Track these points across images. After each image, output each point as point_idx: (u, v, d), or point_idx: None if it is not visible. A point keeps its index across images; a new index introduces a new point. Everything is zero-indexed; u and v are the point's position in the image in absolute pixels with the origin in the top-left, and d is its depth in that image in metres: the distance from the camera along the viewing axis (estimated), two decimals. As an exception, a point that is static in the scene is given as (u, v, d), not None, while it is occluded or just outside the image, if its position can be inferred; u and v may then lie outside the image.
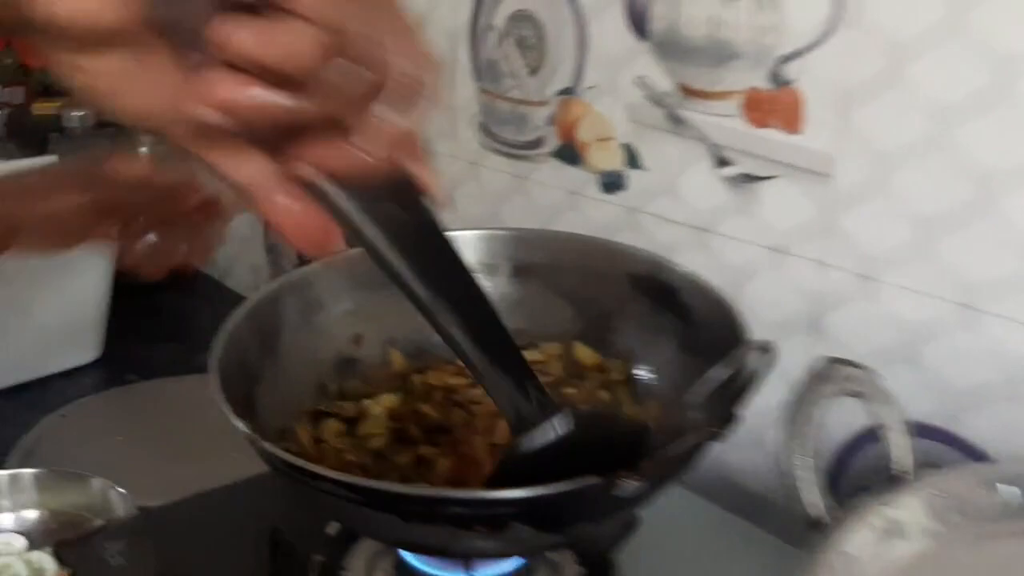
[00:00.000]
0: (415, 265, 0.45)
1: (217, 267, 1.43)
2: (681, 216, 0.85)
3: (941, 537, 0.49)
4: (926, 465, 0.72)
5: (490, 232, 0.82)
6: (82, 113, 1.27)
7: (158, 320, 1.31)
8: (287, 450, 0.68)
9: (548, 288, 0.81)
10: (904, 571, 0.47)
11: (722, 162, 0.81)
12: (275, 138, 0.36)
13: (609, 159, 0.89)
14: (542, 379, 0.56)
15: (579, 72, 0.89)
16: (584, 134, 0.90)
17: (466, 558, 0.64)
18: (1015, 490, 0.50)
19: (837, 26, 0.71)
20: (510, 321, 0.79)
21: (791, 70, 0.74)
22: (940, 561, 0.48)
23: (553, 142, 0.93)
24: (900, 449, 0.52)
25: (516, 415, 0.52)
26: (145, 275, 0.71)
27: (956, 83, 0.66)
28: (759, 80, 0.76)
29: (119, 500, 0.82)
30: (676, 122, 0.83)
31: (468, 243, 0.81)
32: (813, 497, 0.49)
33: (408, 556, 0.68)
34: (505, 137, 0.97)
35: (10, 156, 1.21)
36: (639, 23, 0.83)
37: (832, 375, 0.50)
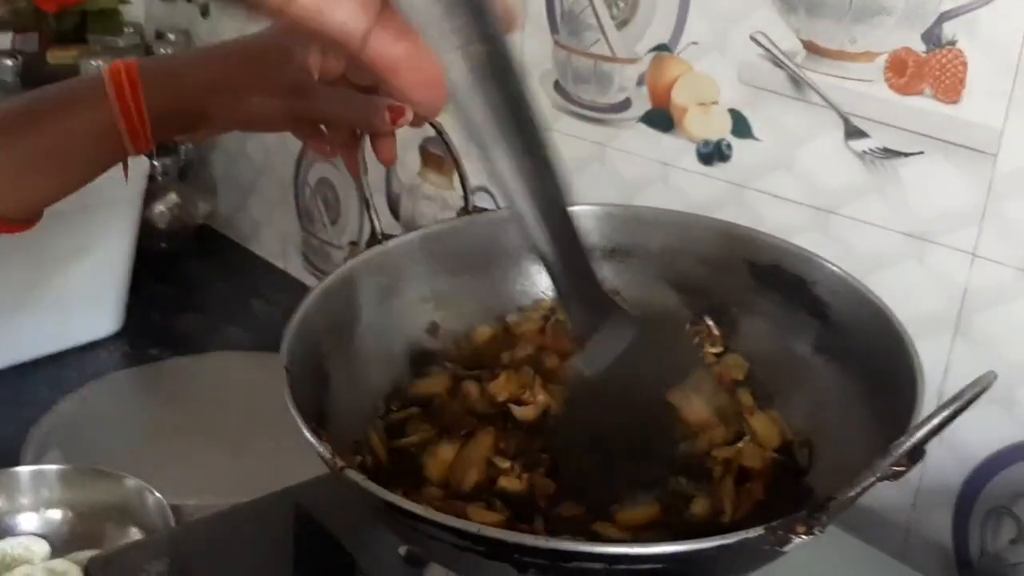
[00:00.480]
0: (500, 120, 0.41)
1: (239, 230, 1.33)
2: (798, 194, 0.74)
3: None
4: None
5: (584, 208, 0.71)
6: (99, 62, 1.16)
7: (181, 289, 1.21)
8: (362, 465, 0.59)
9: (648, 273, 0.70)
10: None
11: (855, 134, 0.70)
12: None
13: (711, 126, 0.78)
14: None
15: (680, 26, 0.78)
16: (681, 97, 0.79)
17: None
18: None
19: (1015, -24, 0.60)
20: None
21: (953, 29, 0.63)
22: None
23: (642, 105, 0.82)
24: None
25: (578, 315, 0.49)
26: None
27: None
28: (911, 39, 0.65)
29: (154, 504, 0.73)
30: (799, 86, 0.72)
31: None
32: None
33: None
34: (584, 98, 0.86)
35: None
36: (758, -31, 0.72)
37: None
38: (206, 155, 1.31)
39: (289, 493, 0.70)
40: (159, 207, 1.21)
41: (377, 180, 1.08)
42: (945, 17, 0.63)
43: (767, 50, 0.73)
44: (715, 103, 0.77)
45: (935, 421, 0.40)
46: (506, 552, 0.43)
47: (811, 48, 0.70)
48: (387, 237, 0.69)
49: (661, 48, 0.80)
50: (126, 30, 1.28)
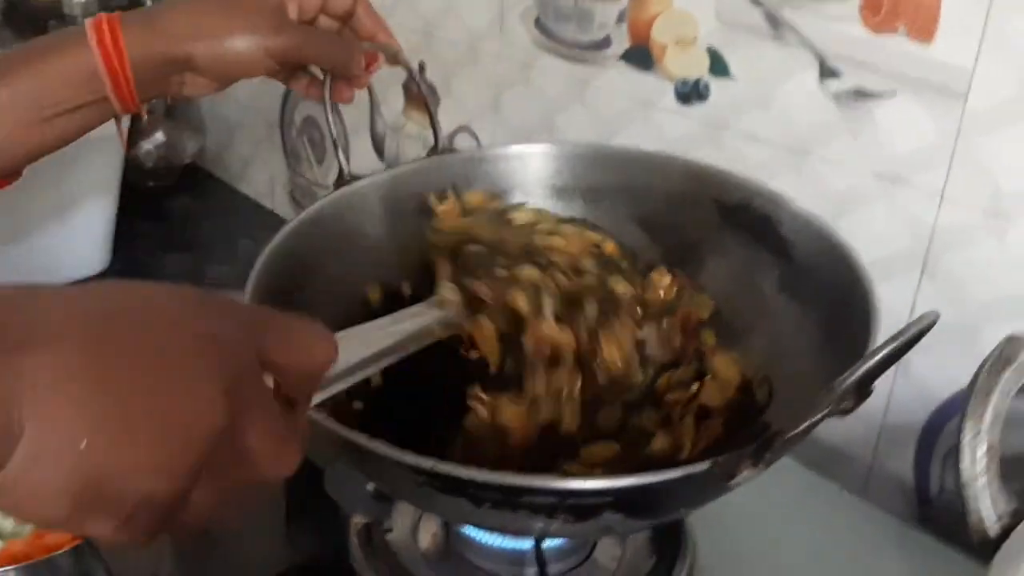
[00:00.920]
0: None
1: (228, 169, 1.33)
2: (774, 134, 0.74)
3: None
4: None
5: (552, 147, 0.71)
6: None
7: (168, 227, 1.21)
8: (349, 407, 0.59)
9: (619, 213, 0.71)
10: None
11: (830, 73, 0.69)
12: None
13: (690, 65, 0.77)
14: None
15: (658, -38, 0.77)
16: (661, 34, 0.79)
17: (540, 538, 0.55)
18: None
19: (990, -88, 0.59)
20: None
21: (927, -35, 0.62)
22: None
23: (622, 43, 0.81)
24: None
25: None
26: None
27: None
28: (886, -24, 0.64)
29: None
30: (776, 24, 0.71)
31: (529, 159, 0.71)
32: (985, 507, 0.39)
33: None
34: (564, 36, 0.85)
35: (5, 44, 1.10)
36: (736, -95, 0.71)
37: (1012, 359, 0.40)
38: (193, 93, 1.31)
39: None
40: (146, 145, 1.21)
41: (362, 119, 1.08)
42: (919, -46, 0.62)
43: (744, -13, 0.72)
44: (694, 41, 0.77)
45: (875, 359, 0.40)
46: (460, 487, 0.44)
47: (788, -15, 0.70)
48: (355, 177, 0.70)
49: (641, -15, 0.79)
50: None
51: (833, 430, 0.77)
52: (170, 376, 0.30)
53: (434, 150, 0.72)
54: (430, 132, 1.02)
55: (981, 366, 0.41)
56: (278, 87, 1.18)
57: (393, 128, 1.05)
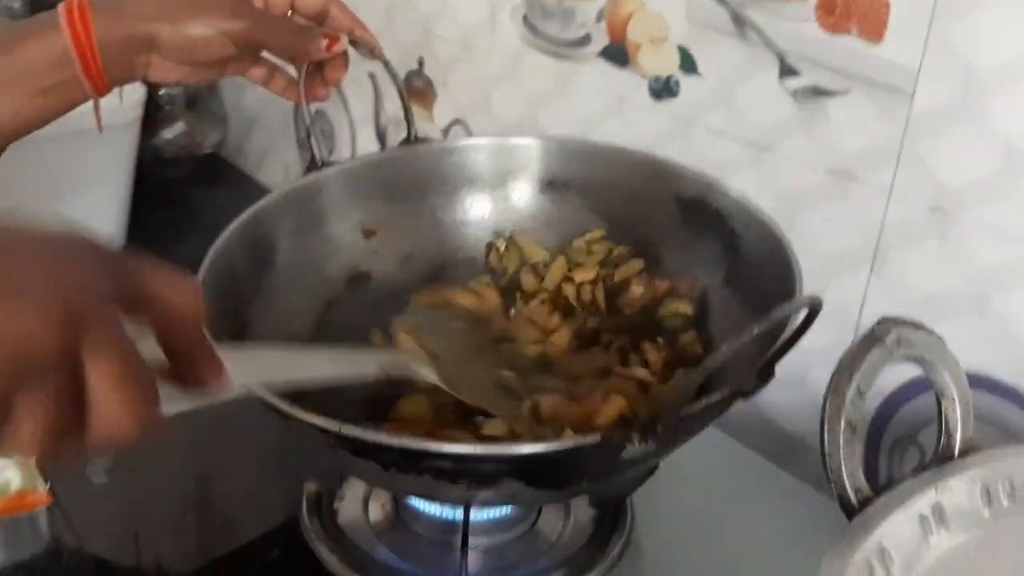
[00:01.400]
0: None
1: (247, 159, 1.37)
2: (737, 131, 0.75)
3: (990, 527, 0.42)
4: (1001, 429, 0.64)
5: (523, 141, 0.74)
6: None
7: (183, 215, 1.25)
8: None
9: (584, 204, 0.73)
10: (943, 567, 0.40)
11: (789, 72, 0.71)
12: None
13: (662, 63, 0.79)
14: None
15: (633, -38, 0.79)
16: (636, 33, 0.81)
17: (461, 504, 0.58)
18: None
19: (933, -84, 0.60)
20: (541, 237, 0.74)
21: (875, -33, 0.64)
22: (983, 555, 0.41)
23: (601, 41, 0.84)
24: (959, 424, 0.44)
25: None
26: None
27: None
28: (837, -22, 0.66)
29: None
30: (740, 24, 0.73)
31: (496, 151, 0.74)
32: (851, 478, 0.41)
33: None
34: (549, 33, 0.88)
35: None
36: (703, -93, 0.73)
37: (884, 337, 0.42)
38: (215, 84, 1.36)
39: (242, 402, 0.75)
40: (166, 135, 1.26)
41: (366, 113, 1.11)
42: (867, -44, 0.64)
43: (711, -12, 0.74)
44: (666, 39, 0.79)
45: (741, 341, 0.42)
46: (367, 450, 0.47)
47: (750, -14, 0.72)
48: (327, 164, 0.73)
49: (619, -16, 0.81)
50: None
51: (793, 422, 0.79)
52: (3, 294, 0.32)
53: (406, 140, 0.75)
54: (427, 124, 1.06)
55: (852, 344, 0.43)
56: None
57: (394, 120, 1.08)
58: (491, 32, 0.93)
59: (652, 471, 0.64)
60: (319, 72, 0.70)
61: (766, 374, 0.48)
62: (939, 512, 0.42)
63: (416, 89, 1.05)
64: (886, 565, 0.40)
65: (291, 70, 0.73)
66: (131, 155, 1.10)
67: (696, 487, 0.69)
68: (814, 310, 0.44)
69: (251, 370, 0.45)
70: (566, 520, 0.65)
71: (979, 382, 0.66)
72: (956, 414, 0.45)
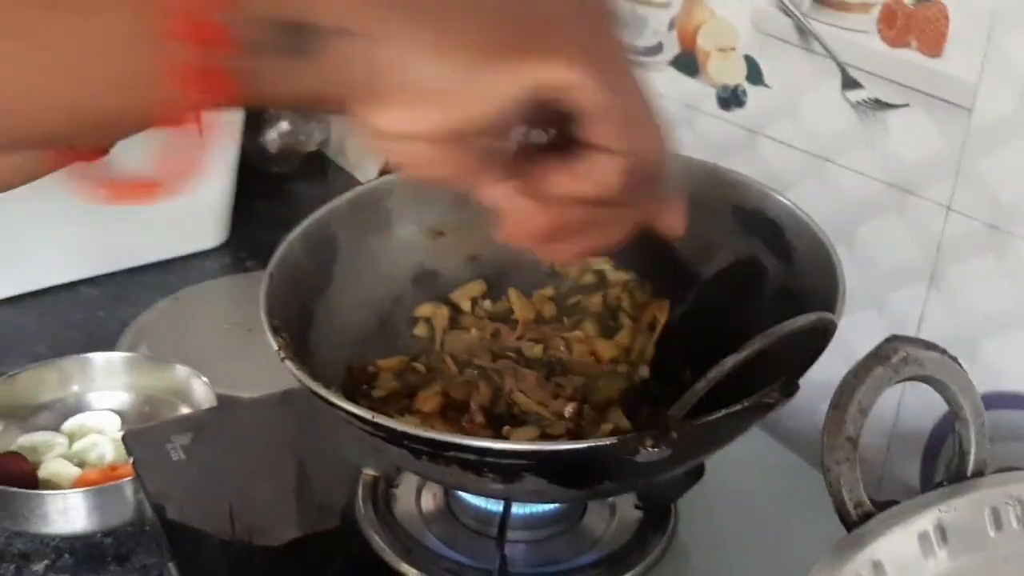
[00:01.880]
0: None
1: (349, 160, 1.43)
2: (800, 141, 0.76)
3: (996, 550, 0.42)
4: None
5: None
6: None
7: (286, 208, 1.32)
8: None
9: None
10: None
11: (851, 84, 0.71)
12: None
13: (730, 72, 0.80)
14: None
15: (706, -27, 0.80)
16: (705, 42, 0.82)
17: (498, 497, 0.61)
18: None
19: (994, -70, 0.60)
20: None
21: (936, -19, 0.64)
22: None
23: (672, 49, 0.85)
24: (972, 444, 0.45)
25: None
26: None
27: None
28: (899, -9, 0.66)
29: (200, 388, 0.84)
30: (804, 35, 0.73)
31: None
32: (851, 492, 0.42)
33: (456, 484, 0.66)
34: (623, 42, 0.89)
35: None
36: (772, -81, 0.73)
37: (890, 356, 0.43)
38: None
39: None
40: (271, 134, 1.33)
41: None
42: (928, -31, 0.64)
43: (777, -2, 0.75)
44: (734, 49, 0.80)
45: (744, 354, 0.43)
46: (398, 439, 0.50)
47: (816, -3, 0.72)
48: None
49: (691, -6, 0.82)
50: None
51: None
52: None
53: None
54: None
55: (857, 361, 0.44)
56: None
57: (480, 124, 1.12)
58: (570, 39, 0.95)
59: (698, 477, 0.65)
60: None
61: (789, 389, 0.49)
62: (941, 531, 0.42)
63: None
64: (880, 580, 0.41)
65: None
66: (235, 149, 1.16)
67: (742, 491, 0.70)
68: (827, 327, 0.45)
69: None
70: (611, 519, 0.67)
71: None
72: (970, 434, 0.45)
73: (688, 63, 0.84)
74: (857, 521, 0.42)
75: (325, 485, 0.71)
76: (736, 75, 0.80)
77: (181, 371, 0.85)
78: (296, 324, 0.63)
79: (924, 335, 0.70)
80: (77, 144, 0.60)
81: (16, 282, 1.07)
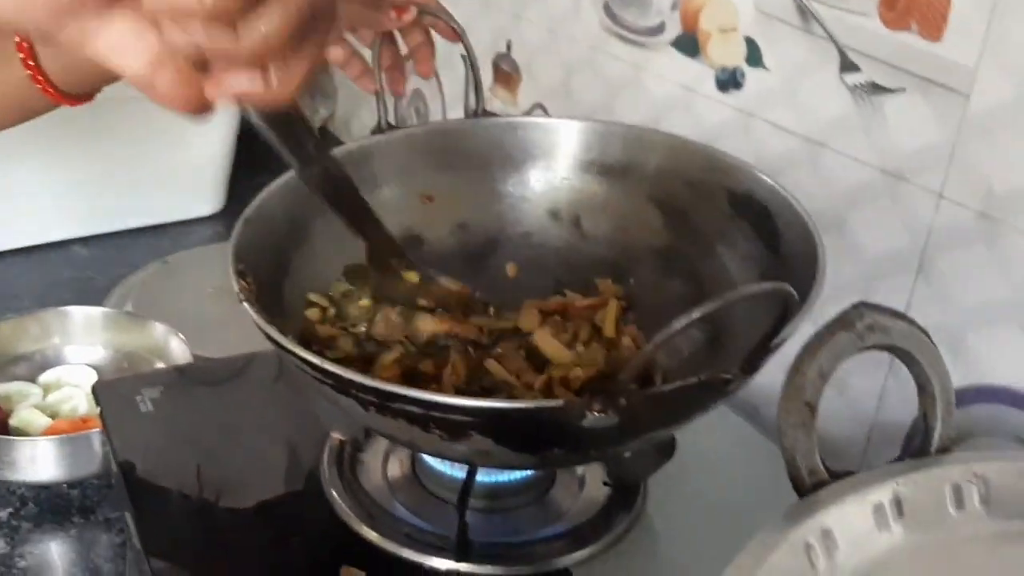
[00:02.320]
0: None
1: (352, 134, 1.42)
2: (797, 126, 0.74)
3: (955, 529, 0.40)
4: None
5: (584, 124, 0.74)
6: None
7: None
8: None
9: (640, 191, 0.73)
10: (893, 561, 0.39)
11: (849, 67, 0.70)
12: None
13: (730, 53, 0.79)
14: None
15: (709, -49, 0.79)
16: (707, 23, 0.81)
17: (460, 462, 0.60)
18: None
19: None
20: (597, 219, 0.74)
21: (937, -39, 0.62)
22: (941, 557, 0.40)
23: (675, 29, 0.84)
24: (938, 420, 0.43)
25: None
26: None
27: None
28: (900, -29, 0.64)
29: (178, 347, 0.83)
30: (805, 16, 0.72)
31: (558, 132, 0.75)
32: (805, 458, 0.41)
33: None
34: (627, 20, 0.88)
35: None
36: None
37: (855, 322, 0.41)
38: (325, 62, 1.41)
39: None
40: (276, 107, 1.32)
41: (457, 96, 1.14)
42: (930, -51, 0.62)
43: (779, -22, 0.73)
44: (735, 30, 0.78)
45: (691, 318, 0.41)
46: (346, 387, 0.49)
47: (817, -22, 0.71)
48: (392, 127, 0.75)
49: (695, -27, 0.81)
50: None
51: (827, 427, 0.77)
52: None
53: (473, 113, 0.77)
54: (511, 108, 1.08)
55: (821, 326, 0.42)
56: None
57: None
58: (574, 18, 0.94)
59: (668, 456, 0.64)
60: (398, 65, 0.73)
61: (749, 367, 0.48)
62: (898, 504, 0.41)
63: (503, 72, 1.07)
64: (828, 549, 0.39)
65: (367, 57, 0.75)
66: (233, 121, 1.15)
67: (718, 476, 0.69)
68: (787, 300, 0.44)
69: None
70: (579, 494, 0.66)
71: (1017, 399, 0.63)
72: (936, 410, 0.44)
73: (689, 44, 0.82)
74: (811, 488, 0.41)
75: (293, 447, 0.70)
76: (736, 57, 0.78)
77: (159, 329, 0.84)
78: (269, 273, 0.62)
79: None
80: None
81: (8, 237, 1.07)
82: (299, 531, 0.63)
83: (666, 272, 0.71)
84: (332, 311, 0.67)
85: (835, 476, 0.41)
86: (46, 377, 0.84)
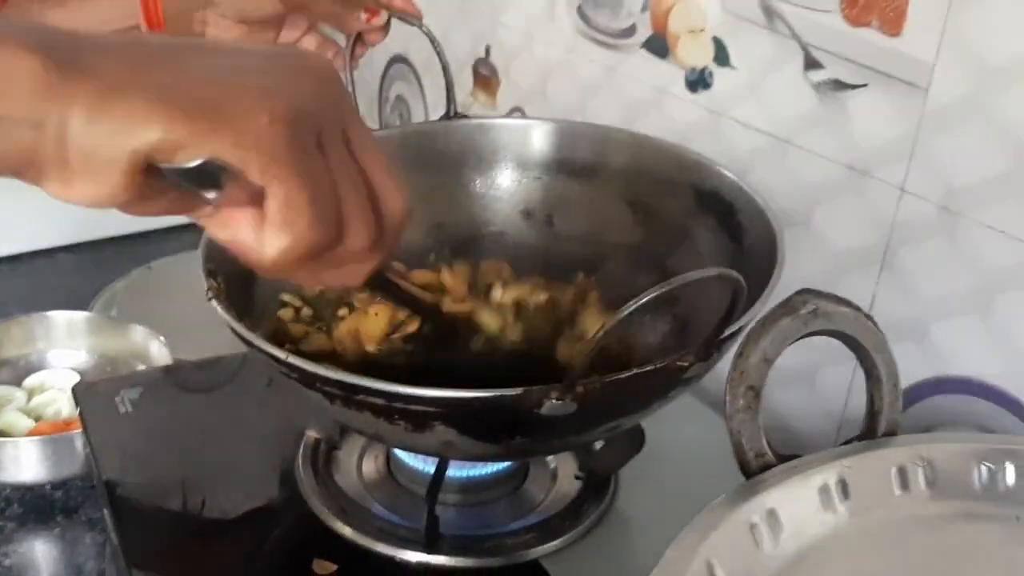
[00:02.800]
0: None
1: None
2: (764, 123, 0.75)
3: (900, 510, 0.41)
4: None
5: (555, 125, 0.76)
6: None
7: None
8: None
9: (610, 189, 0.74)
10: (837, 541, 0.40)
11: (813, 65, 0.71)
12: None
13: (698, 54, 0.80)
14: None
15: (678, -46, 0.80)
16: (676, 24, 0.82)
17: (427, 454, 0.61)
18: (1009, 469, 0.42)
19: (951, -93, 0.60)
20: (571, 219, 0.75)
21: (895, -42, 0.63)
22: (887, 537, 0.41)
23: (645, 31, 0.85)
24: (884, 404, 0.44)
25: None
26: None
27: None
28: (859, -31, 0.66)
29: (159, 350, 0.84)
30: (770, 15, 0.73)
31: (530, 133, 0.76)
32: (751, 441, 0.42)
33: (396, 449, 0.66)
34: (600, 23, 0.90)
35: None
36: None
37: (799, 308, 0.42)
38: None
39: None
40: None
41: (440, 101, 1.15)
42: (887, -53, 0.63)
43: (745, -22, 0.74)
44: (703, 31, 0.80)
45: (642, 300, 0.42)
46: (311, 381, 0.50)
47: (781, -22, 0.72)
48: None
49: (664, -24, 0.82)
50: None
51: (802, 420, 0.78)
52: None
53: (446, 116, 0.78)
54: (492, 111, 1.09)
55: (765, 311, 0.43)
56: (376, 68, 1.27)
57: (462, 107, 1.12)
58: (549, 21, 0.95)
59: (638, 448, 0.65)
60: (359, 39, 0.74)
61: (704, 353, 0.49)
62: (843, 486, 0.42)
63: (482, 76, 1.08)
64: (773, 529, 0.40)
65: (341, 41, 0.77)
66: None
67: (688, 469, 0.69)
68: (735, 286, 0.45)
69: None
70: (551, 487, 0.67)
71: (979, 390, 0.64)
72: (882, 394, 0.45)
73: (659, 46, 0.84)
74: (757, 470, 0.42)
75: (269, 446, 0.71)
76: (704, 57, 0.79)
77: (140, 332, 0.85)
78: (239, 273, 0.63)
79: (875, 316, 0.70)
80: None
81: (-7, 245, 1.08)
82: (274, 527, 0.64)
83: (636, 267, 0.72)
84: (307, 311, 0.68)
85: (782, 459, 0.42)
86: (30, 381, 0.85)
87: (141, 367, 0.85)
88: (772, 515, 0.40)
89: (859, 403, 0.72)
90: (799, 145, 0.73)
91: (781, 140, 0.74)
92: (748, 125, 0.77)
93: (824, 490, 0.42)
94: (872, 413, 0.44)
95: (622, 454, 0.65)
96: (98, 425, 0.71)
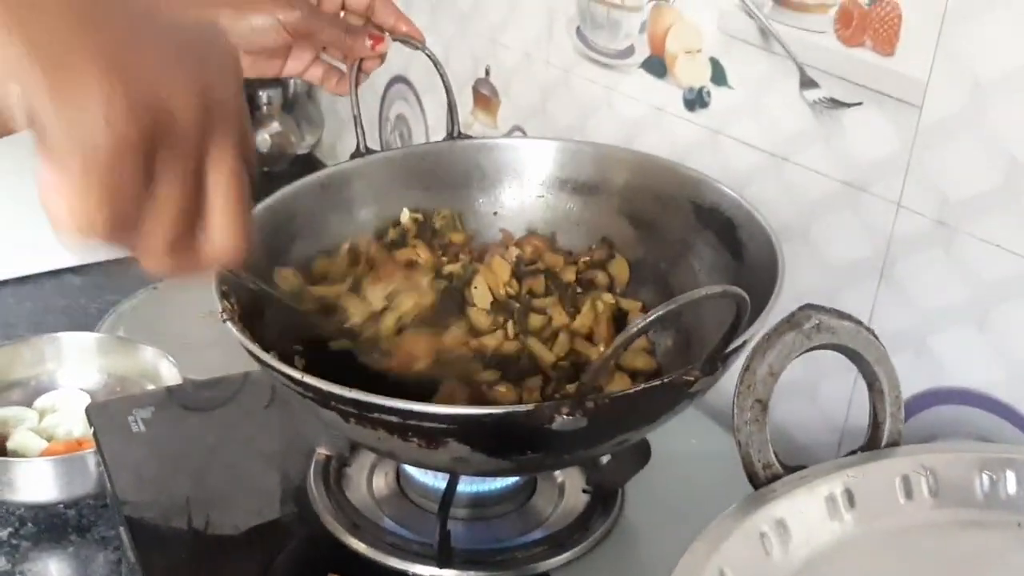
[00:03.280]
0: None
1: (328, 152, 1.45)
2: (761, 141, 0.77)
3: (905, 518, 0.43)
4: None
5: (557, 144, 0.77)
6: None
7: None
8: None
9: (611, 206, 0.76)
10: (845, 549, 0.41)
11: (808, 83, 0.72)
12: None
13: (695, 74, 0.82)
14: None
15: (675, -24, 0.82)
16: (673, 45, 0.83)
17: (439, 470, 0.62)
18: (1010, 478, 0.43)
19: (942, -69, 0.61)
20: (572, 234, 0.77)
21: (888, -19, 0.65)
22: (893, 544, 0.42)
23: (643, 52, 0.87)
24: (887, 415, 0.45)
25: None
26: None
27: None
28: (854, -9, 0.67)
29: (168, 369, 0.85)
30: (766, 36, 0.75)
31: (531, 152, 0.77)
32: (759, 453, 0.43)
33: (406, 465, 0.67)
34: (598, 44, 0.91)
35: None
36: (738, -77, 0.75)
37: (803, 322, 0.44)
38: (314, 89, 1.44)
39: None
40: (262, 134, 1.35)
41: (441, 122, 1.17)
42: (881, -31, 0.65)
43: (742, 0, 0.76)
44: (700, 51, 0.81)
45: (647, 320, 0.44)
46: (326, 400, 0.51)
47: (777, -1, 0.74)
48: (370, 151, 0.78)
49: (661, -3, 0.84)
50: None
51: (804, 431, 0.79)
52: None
53: (450, 135, 0.80)
54: (491, 130, 1.10)
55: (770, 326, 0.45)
56: (377, 87, 1.29)
57: (464, 126, 1.13)
58: (548, 42, 0.97)
59: (644, 461, 0.66)
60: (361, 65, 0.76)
61: (709, 368, 0.50)
62: (849, 495, 0.43)
63: (482, 96, 1.09)
64: (782, 538, 0.41)
65: (344, 68, 0.78)
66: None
67: (694, 482, 0.71)
68: (739, 304, 0.46)
69: None
70: (559, 502, 0.68)
71: (978, 400, 0.65)
72: (885, 405, 0.46)
73: (657, 66, 0.85)
74: (765, 482, 0.43)
75: (280, 463, 0.72)
76: (701, 77, 0.81)
77: (149, 352, 0.86)
78: (251, 293, 0.64)
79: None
80: None
81: (1, 267, 1.09)
82: (287, 542, 0.66)
83: (638, 282, 0.74)
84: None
85: (789, 469, 0.43)
86: (41, 402, 0.86)
87: (150, 387, 0.86)
88: (781, 524, 0.42)
89: (860, 414, 0.73)
90: (796, 162, 0.74)
91: (778, 157, 0.76)
92: (746, 143, 0.78)
93: (831, 499, 0.43)
94: (875, 424, 0.46)
95: (628, 468, 0.67)
96: (112, 444, 0.72)
